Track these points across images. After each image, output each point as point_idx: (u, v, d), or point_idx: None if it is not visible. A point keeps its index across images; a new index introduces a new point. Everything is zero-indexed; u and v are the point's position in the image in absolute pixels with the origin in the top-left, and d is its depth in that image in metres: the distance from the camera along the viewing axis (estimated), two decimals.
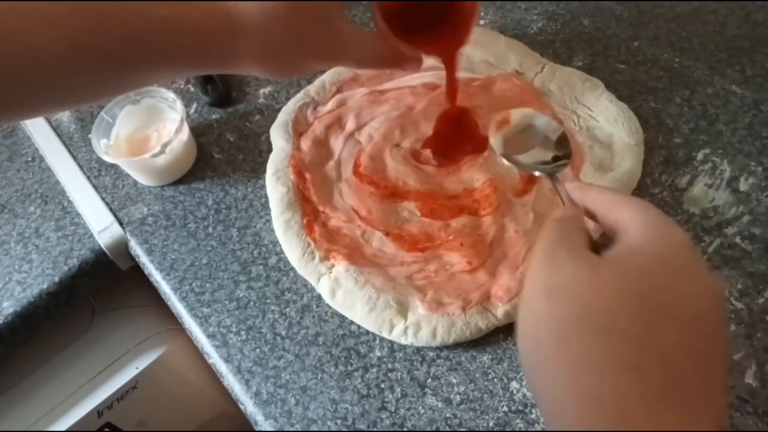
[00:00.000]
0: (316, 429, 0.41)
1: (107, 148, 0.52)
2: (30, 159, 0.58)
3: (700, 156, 0.50)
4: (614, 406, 0.22)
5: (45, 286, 0.49)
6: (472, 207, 0.47)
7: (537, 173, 0.37)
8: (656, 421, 0.22)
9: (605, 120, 0.51)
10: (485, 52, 0.56)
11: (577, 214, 0.31)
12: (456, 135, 0.51)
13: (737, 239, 0.46)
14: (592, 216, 0.31)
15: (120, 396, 0.52)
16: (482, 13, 0.62)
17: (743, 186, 0.48)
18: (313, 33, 0.36)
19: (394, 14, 0.41)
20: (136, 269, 0.53)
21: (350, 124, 0.53)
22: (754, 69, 0.55)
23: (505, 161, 0.39)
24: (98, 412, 0.51)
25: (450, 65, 0.45)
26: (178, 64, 0.35)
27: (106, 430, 0.52)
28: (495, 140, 0.40)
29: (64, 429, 0.50)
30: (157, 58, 0.34)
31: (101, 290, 0.54)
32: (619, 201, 0.29)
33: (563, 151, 0.39)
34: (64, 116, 0.60)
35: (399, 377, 0.42)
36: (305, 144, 0.52)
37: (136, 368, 0.53)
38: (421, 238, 0.47)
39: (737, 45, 0.56)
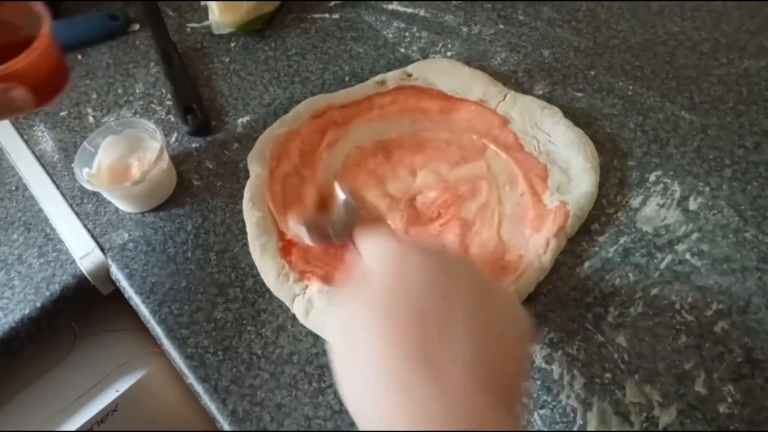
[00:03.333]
0: None
1: (89, 176, 0.54)
2: (14, 188, 0.59)
3: (652, 178, 0.53)
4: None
5: (27, 311, 0.51)
6: None
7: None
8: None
9: (563, 145, 0.54)
10: (451, 82, 0.59)
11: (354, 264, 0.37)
12: None
13: (687, 255, 0.49)
14: None
15: (101, 419, 0.53)
16: (449, 45, 0.65)
17: (693, 205, 0.51)
18: None
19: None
20: (117, 294, 0.54)
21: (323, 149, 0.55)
22: (701, 96, 0.59)
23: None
24: None
25: None
26: None
27: None
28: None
29: None
30: None
31: (83, 315, 0.56)
32: (365, 245, 0.36)
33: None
34: (48, 146, 0.62)
35: None
36: (280, 170, 0.54)
37: (117, 391, 0.54)
38: None
39: (685, 74, 0.60)
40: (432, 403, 0.27)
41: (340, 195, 0.39)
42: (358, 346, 0.30)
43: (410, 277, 0.31)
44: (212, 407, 0.45)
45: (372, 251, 0.34)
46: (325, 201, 0.42)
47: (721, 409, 0.41)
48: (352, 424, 0.42)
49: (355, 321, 0.31)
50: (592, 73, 0.62)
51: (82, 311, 0.55)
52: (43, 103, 0.44)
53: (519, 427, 0.29)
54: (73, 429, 0.52)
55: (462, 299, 0.30)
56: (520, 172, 0.53)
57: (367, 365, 0.29)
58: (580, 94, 0.60)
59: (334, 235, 0.38)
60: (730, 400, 0.41)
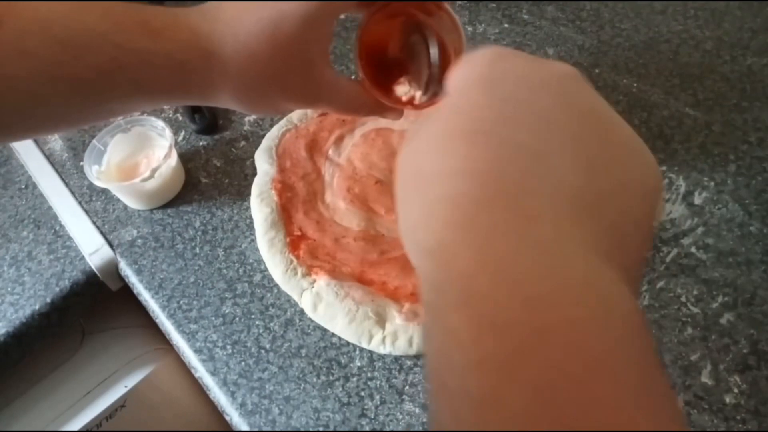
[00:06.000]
0: None
1: (98, 174, 0.54)
2: (23, 186, 0.60)
3: None
4: (437, 248, 0.20)
5: (37, 307, 0.51)
6: None
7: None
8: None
9: None
10: None
11: None
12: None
13: (692, 249, 0.49)
14: None
15: (109, 414, 0.54)
16: None
17: (697, 200, 0.52)
18: (294, 78, 0.35)
19: (376, 64, 0.40)
20: (126, 291, 0.55)
21: (330, 146, 0.56)
22: (705, 93, 0.59)
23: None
24: (88, 430, 0.53)
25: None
26: (155, 96, 0.35)
27: None
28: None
29: None
30: (134, 91, 0.34)
31: (91, 312, 0.56)
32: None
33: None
34: (57, 145, 0.62)
35: (378, 385, 0.44)
36: (287, 166, 0.55)
37: (125, 387, 0.55)
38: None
39: (689, 71, 0.61)
40: (513, 244, 0.19)
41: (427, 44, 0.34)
42: (423, 174, 0.22)
43: (502, 89, 0.23)
44: (221, 400, 0.45)
45: (453, 70, 0.25)
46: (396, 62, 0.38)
47: (727, 399, 0.41)
48: (360, 415, 0.43)
49: (422, 147, 0.23)
50: (597, 71, 0.62)
51: (91, 308, 0.55)
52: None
53: (639, 305, 0.20)
54: (83, 424, 0.52)
55: (574, 127, 0.22)
56: None
57: (431, 190, 0.21)
58: None
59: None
60: (736, 390, 0.42)
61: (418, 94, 0.36)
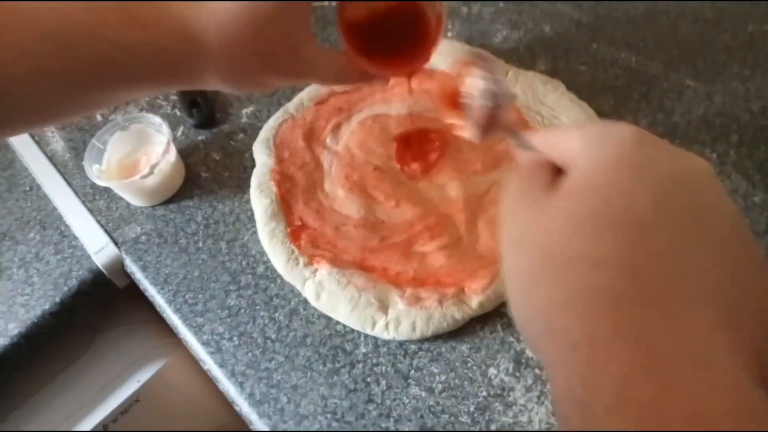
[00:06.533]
0: (308, 424, 0.43)
1: (99, 173, 0.55)
2: (28, 188, 0.61)
3: None
4: (587, 343, 0.19)
5: (47, 307, 0.52)
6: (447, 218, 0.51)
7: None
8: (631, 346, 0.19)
9: (567, 118, 0.54)
10: (451, 62, 0.59)
11: (531, 161, 0.27)
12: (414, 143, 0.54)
13: None
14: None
15: (124, 409, 0.55)
16: (449, 26, 0.65)
17: None
18: (278, 54, 0.36)
19: (359, 34, 0.42)
20: (133, 288, 0.56)
21: (327, 134, 0.56)
22: (706, 63, 0.58)
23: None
24: (104, 425, 0.54)
25: (409, 83, 0.48)
26: (145, 84, 0.36)
27: None
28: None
29: None
30: (124, 80, 0.35)
31: (100, 310, 0.57)
32: (566, 132, 0.25)
33: None
34: (59, 146, 0.63)
35: (384, 371, 0.45)
36: (286, 157, 0.55)
37: (138, 381, 0.56)
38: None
39: (688, 43, 0.60)
40: (674, 351, 0.18)
41: (480, 81, 0.31)
42: (563, 256, 0.21)
43: (652, 178, 0.22)
44: (230, 391, 0.46)
45: (579, 141, 0.24)
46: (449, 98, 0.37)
47: None
48: (367, 401, 0.43)
49: (559, 226, 0.22)
50: (594, 46, 0.61)
51: (99, 306, 0.56)
52: None
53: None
54: (99, 420, 0.53)
55: (721, 231, 0.21)
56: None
57: (574, 277, 0.21)
58: (582, 68, 0.59)
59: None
60: None
61: (474, 132, 0.35)
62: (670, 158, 0.22)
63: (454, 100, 0.35)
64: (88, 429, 0.53)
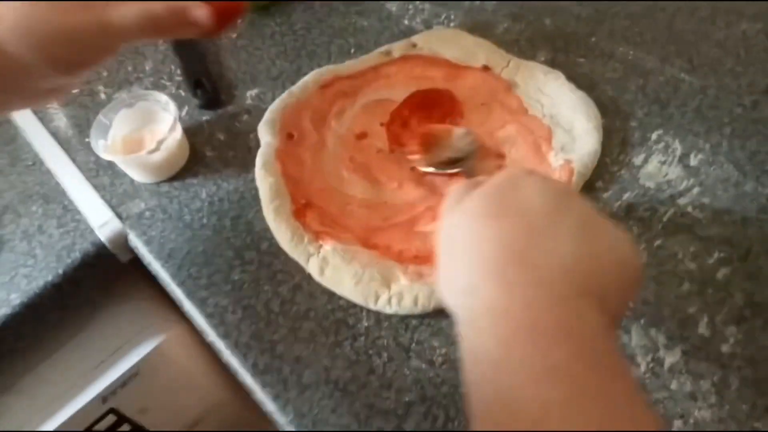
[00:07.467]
0: (310, 394, 0.44)
1: (105, 148, 0.55)
2: (30, 163, 0.61)
3: (654, 137, 0.55)
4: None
5: (50, 278, 0.52)
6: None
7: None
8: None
9: (566, 107, 0.55)
10: (455, 50, 0.60)
11: (469, 181, 0.39)
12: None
13: (689, 208, 0.50)
14: None
15: (123, 382, 0.55)
16: (452, 16, 0.67)
17: (693, 161, 0.53)
18: (79, 26, 0.34)
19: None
20: (136, 263, 0.56)
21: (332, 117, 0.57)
22: (700, 59, 0.60)
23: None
24: (103, 397, 0.54)
25: None
26: None
27: (111, 414, 0.55)
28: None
29: (71, 413, 0.52)
30: None
31: (102, 284, 0.57)
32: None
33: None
34: (62, 123, 0.63)
35: (385, 344, 0.46)
36: (291, 137, 0.56)
37: (138, 356, 0.56)
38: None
39: (684, 38, 0.62)
40: (524, 287, 0.29)
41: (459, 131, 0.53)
42: (459, 245, 0.33)
43: (524, 192, 0.33)
44: (234, 361, 0.46)
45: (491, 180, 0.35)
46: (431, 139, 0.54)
47: (724, 348, 0.43)
48: (368, 372, 0.44)
49: (461, 223, 0.34)
50: (593, 39, 0.63)
51: (102, 280, 0.56)
52: (218, 30, 0.39)
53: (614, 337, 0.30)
54: (98, 391, 0.54)
55: (571, 222, 0.31)
56: (520, 135, 0.55)
57: (467, 258, 0.31)
58: (582, 60, 0.61)
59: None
60: (732, 340, 0.43)
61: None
62: (539, 180, 0.34)
63: (428, 142, 0.53)
64: (88, 400, 0.53)
